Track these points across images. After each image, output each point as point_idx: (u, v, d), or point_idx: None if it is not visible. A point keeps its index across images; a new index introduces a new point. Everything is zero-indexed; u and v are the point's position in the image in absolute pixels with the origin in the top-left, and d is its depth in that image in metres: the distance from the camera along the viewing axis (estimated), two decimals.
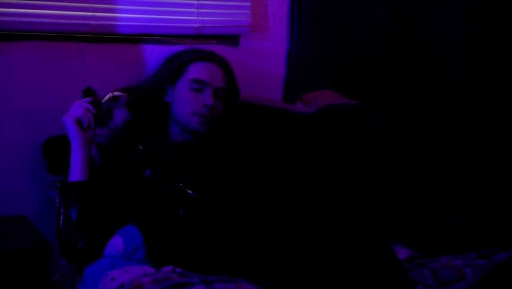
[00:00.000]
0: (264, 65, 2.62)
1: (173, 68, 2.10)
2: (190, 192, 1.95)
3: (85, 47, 2.31)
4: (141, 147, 2.05)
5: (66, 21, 2.24)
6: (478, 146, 2.72)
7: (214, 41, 2.47)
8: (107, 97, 2.21)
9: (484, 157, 2.67)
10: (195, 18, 2.45)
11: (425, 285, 1.82)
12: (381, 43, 2.76)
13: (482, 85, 2.88)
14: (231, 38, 2.55)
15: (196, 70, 2.09)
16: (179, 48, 2.31)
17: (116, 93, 2.22)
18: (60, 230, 1.91)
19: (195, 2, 2.45)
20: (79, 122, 1.95)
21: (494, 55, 2.89)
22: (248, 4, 2.53)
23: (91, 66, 2.33)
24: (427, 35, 2.81)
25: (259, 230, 1.80)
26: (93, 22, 2.28)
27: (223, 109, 2.13)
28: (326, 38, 2.66)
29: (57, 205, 1.98)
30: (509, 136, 2.72)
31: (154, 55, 2.41)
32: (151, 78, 2.17)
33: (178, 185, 1.97)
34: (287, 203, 1.93)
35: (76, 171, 1.94)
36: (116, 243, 1.93)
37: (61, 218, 1.91)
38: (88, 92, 2.00)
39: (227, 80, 2.14)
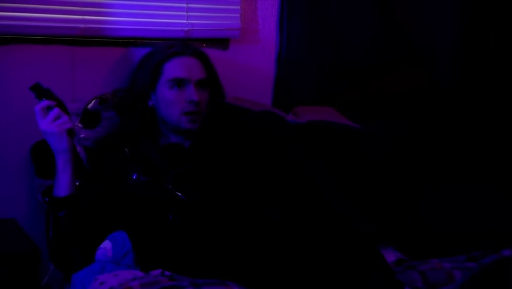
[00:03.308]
0: (254, 68, 2.62)
1: (149, 72, 2.05)
2: (180, 194, 1.95)
3: (74, 51, 2.31)
4: (127, 151, 2.03)
5: (55, 25, 2.23)
6: (468, 148, 2.73)
7: (204, 45, 2.47)
8: (95, 100, 2.20)
9: (474, 159, 2.68)
10: (185, 21, 2.44)
11: (414, 288, 1.82)
12: (372, 45, 2.77)
13: (473, 86, 2.90)
14: (221, 42, 2.54)
15: (172, 69, 2.04)
16: None
17: (104, 96, 2.22)
18: (51, 243, 1.92)
19: (185, 5, 2.44)
20: (70, 132, 1.90)
21: (485, 57, 2.90)
22: (238, 7, 2.53)
23: (80, 70, 2.32)
24: (417, 37, 2.83)
25: (248, 232, 1.80)
26: (82, 26, 2.27)
27: (210, 97, 2.09)
28: (316, 40, 2.67)
29: (45, 208, 1.98)
30: (499, 138, 2.73)
31: None
32: (130, 83, 2.12)
33: (167, 187, 1.96)
34: (276, 204, 1.92)
35: (64, 186, 1.91)
36: (105, 248, 1.93)
37: (50, 231, 1.91)
38: (48, 93, 1.90)
39: (206, 69, 2.09)
